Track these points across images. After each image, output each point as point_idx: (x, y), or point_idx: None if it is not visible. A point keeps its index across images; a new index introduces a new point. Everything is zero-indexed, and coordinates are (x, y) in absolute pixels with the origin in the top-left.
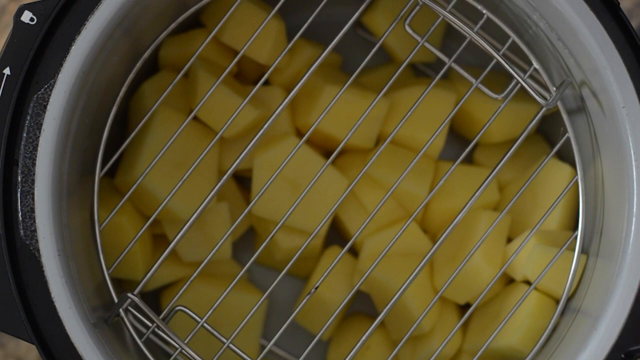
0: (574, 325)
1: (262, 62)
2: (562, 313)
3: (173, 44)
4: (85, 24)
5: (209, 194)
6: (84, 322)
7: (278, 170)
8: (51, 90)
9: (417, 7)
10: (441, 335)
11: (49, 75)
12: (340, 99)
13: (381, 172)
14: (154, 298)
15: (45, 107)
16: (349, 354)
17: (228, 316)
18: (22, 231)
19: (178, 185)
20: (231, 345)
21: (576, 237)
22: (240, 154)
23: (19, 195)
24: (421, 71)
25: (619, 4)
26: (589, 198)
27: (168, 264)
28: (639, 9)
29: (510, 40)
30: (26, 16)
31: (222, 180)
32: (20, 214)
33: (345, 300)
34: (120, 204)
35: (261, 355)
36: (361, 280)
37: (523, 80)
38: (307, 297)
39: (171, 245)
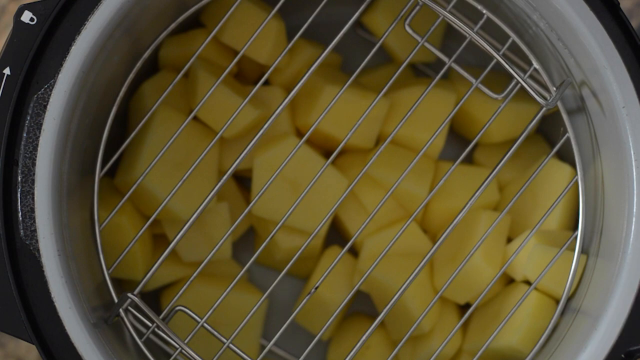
0: (574, 325)
1: (262, 62)
2: (562, 313)
3: (173, 44)
4: (85, 24)
5: (209, 194)
6: (84, 322)
7: (278, 170)
8: (51, 90)
9: (417, 7)
10: (441, 335)
11: (49, 75)
12: (340, 99)
13: (381, 172)
14: (154, 298)
15: (45, 107)
16: (349, 354)
17: (228, 316)
18: (22, 231)
19: (178, 185)
20: (231, 345)
21: (576, 237)
22: (240, 154)
23: (19, 195)
24: (421, 71)
25: (619, 4)
26: (589, 198)
27: (168, 264)
28: (639, 9)
29: (510, 40)
30: (26, 16)
31: (222, 180)
32: (20, 214)
33: (345, 300)
34: (120, 204)
35: (261, 355)
36: (361, 280)
37: (523, 80)
38: (307, 297)
39: (171, 245)
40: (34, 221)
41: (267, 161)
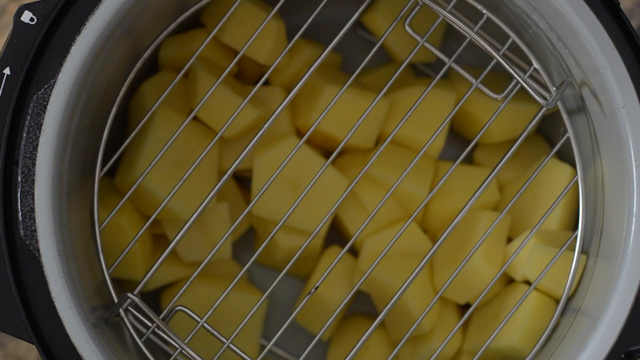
0: (574, 325)
1: (262, 62)
2: (562, 313)
3: (173, 44)
4: (85, 24)
5: (209, 194)
6: (84, 322)
7: (278, 170)
8: (51, 90)
9: (417, 7)
10: (441, 335)
11: (49, 75)
12: (340, 99)
13: (381, 172)
14: (154, 298)
15: (45, 107)
16: (349, 354)
17: (228, 316)
18: (22, 231)
19: (178, 185)
20: (231, 345)
21: (576, 237)
22: (240, 154)
23: (19, 195)
24: (421, 71)
25: (619, 4)
26: (589, 198)
27: (168, 264)
28: (639, 9)
29: (510, 40)
30: (26, 16)
31: (222, 180)
32: (20, 214)
33: (345, 300)
34: (120, 204)
35: (261, 355)
36: (361, 280)
37: (523, 80)
38: (307, 297)
39: (171, 245)
40: (34, 221)
41: (267, 161)
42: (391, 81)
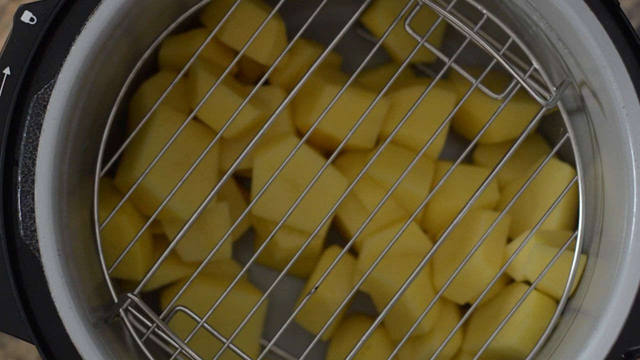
0: (574, 325)
1: (262, 62)
2: (562, 313)
3: (173, 44)
4: (85, 24)
5: (209, 194)
6: (84, 322)
7: (278, 170)
8: (51, 90)
9: (417, 7)
10: (441, 335)
11: (49, 75)
12: (340, 99)
13: (381, 172)
14: (154, 298)
15: (45, 107)
16: (349, 354)
17: (228, 316)
18: (22, 231)
19: (178, 185)
20: (231, 345)
21: (576, 237)
22: (240, 154)
23: (19, 195)
24: (421, 71)
25: (619, 4)
26: (589, 198)
27: (168, 264)
28: (639, 9)
29: (510, 40)
30: (26, 16)
31: (222, 180)
32: (20, 214)
33: (345, 300)
34: (120, 204)
35: (261, 355)
36: (361, 280)
37: (523, 80)
38: (307, 297)
39: (171, 245)
40: (34, 221)
41: (267, 161)
42: (391, 81)
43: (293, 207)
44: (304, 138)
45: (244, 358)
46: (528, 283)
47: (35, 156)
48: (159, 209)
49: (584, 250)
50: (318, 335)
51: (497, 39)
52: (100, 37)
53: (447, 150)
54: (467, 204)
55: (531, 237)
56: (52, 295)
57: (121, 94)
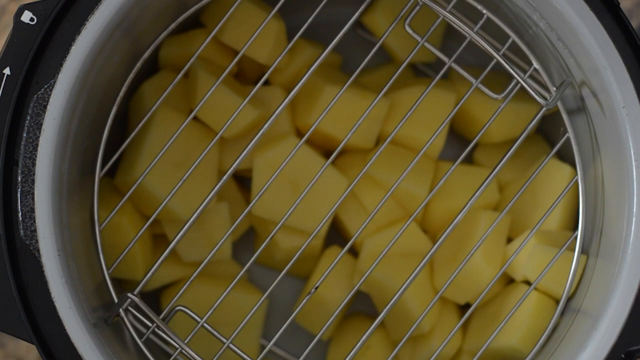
0: (574, 325)
1: (262, 62)
2: (562, 313)
3: (173, 44)
4: (85, 24)
5: (209, 194)
6: (84, 322)
7: (278, 170)
8: (51, 90)
9: (417, 7)
10: (441, 335)
11: (49, 75)
12: (340, 99)
13: (381, 172)
14: (154, 298)
15: (45, 107)
16: (349, 354)
17: (228, 316)
18: (22, 231)
19: (178, 185)
20: (231, 345)
21: (576, 237)
22: (240, 154)
23: (19, 195)
24: (421, 71)
25: (619, 4)
26: (589, 198)
27: (168, 264)
28: (639, 9)
29: (510, 40)
30: (26, 16)
31: (222, 180)
32: (20, 214)
33: (345, 300)
34: (120, 204)
35: (261, 355)
36: (361, 280)
37: (523, 80)
38: (307, 297)
39: (171, 245)
40: (34, 221)
41: (267, 161)
42: (391, 81)
43: (293, 207)
44: (304, 138)
45: (244, 358)
46: (528, 283)
47: (35, 156)
48: (159, 209)
49: (584, 250)
50: (318, 335)
51: (497, 39)
52: (100, 37)
53: (447, 150)
54: (467, 204)
55: (531, 237)
56: (52, 295)
57: (121, 94)
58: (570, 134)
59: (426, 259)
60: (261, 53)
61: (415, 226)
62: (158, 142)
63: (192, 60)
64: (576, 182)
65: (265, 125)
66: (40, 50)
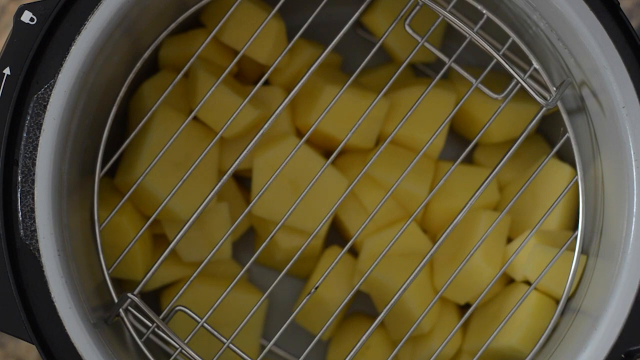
0: (574, 325)
1: (262, 62)
2: (562, 313)
3: (173, 44)
4: (85, 24)
5: (209, 194)
6: (84, 322)
7: (278, 170)
8: (51, 90)
9: (417, 7)
10: (441, 335)
11: (49, 75)
12: (340, 99)
13: (381, 172)
14: (154, 298)
15: (45, 107)
16: (349, 354)
17: (228, 316)
18: (22, 231)
19: (178, 185)
20: (231, 345)
21: (576, 237)
22: (240, 154)
23: (19, 195)
24: (421, 71)
25: (619, 4)
26: (589, 198)
27: (168, 264)
28: (639, 9)
29: (510, 40)
30: (26, 16)
31: (222, 180)
32: (20, 214)
33: (345, 300)
34: (120, 204)
35: (261, 355)
36: (361, 280)
37: (523, 80)
38: (307, 297)
39: (171, 245)
40: (34, 221)
41: (267, 161)
42: (391, 81)
43: (293, 207)
44: (304, 138)
45: (244, 358)
46: (528, 283)
47: (35, 156)
48: (159, 209)
49: (584, 250)
50: (318, 335)
51: (497, 39)
52: (100, 37)
53: (447, 150)
54: (467, 204)
55: (531, 237)
56: (52, 295)
57: (121, 94)
58: (570, 134)
59: (426, 259)
60: (261, 53)
61: (415, 226)
62: (158, 142)
63: (192, 60)
64: (576, 182)
65: (265, 125)
66: (40, 50)
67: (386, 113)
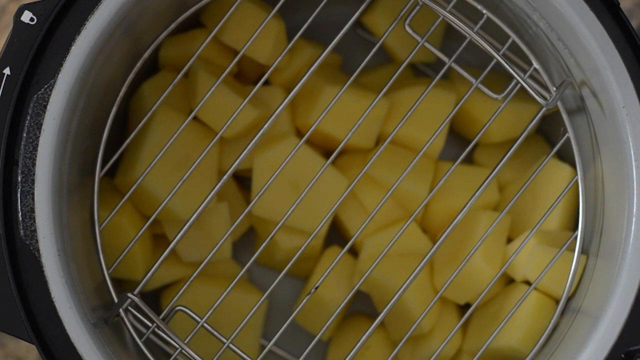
0: (574, 325)
1: (262, 62)
2: (562, 313)
3: (173, 44)
4: (85, 24)
5: (209, 194)
6: (84, 322)
7: (278, 170)
8: (51, 90)
9: (417, 7)
10: (441, 335)
11: (49, 75)
12: (340, 99)
13: (381, 172)
14: (154, 298)
15: (45, 107)
16: (349, 354)
17: (228, 316)
18: (22, 231)
19: (178, 185)
20: (231, 345)
21: (576, 237)
22: (240, 154)
23: (19, 195)
24: (421, 71)
25: (619, 4)
26: (589, 198)
27: (168, 264)
28: (639, 9)
29: (510, 40)
30: (26, 16)
31: (222, 180)
32: (20, 214)
33: (345, 300)
34: (120, 204)
35: (261, 355)
36: (361, 280)
37: (523, 80)
38: (307, 297)
39: (171, 245)
40: (34, 221)
41: (267, 161)
42: (391, 81)
43: (293, 207)
44: (304, 138)
45: (244, 358)
46: (528, 283)
47: (35, 156)
48: (159, 209)
49: (584, 251)
50: (318, 335)
51: (497, 39)
52: (100, 37)
53: (447, 150)
54: (467, 204)
55: (531, 237)
56: (52, 295)
57: (121, 94)
58: (570, 134)
59: (426, 259)
60: (261, 53)
61: (415, 226)
62: (158, 142)
63: (192, 60)
64: (576, 182)
65: (265, 125)
66: (40, 50)
67: (386, 113)
